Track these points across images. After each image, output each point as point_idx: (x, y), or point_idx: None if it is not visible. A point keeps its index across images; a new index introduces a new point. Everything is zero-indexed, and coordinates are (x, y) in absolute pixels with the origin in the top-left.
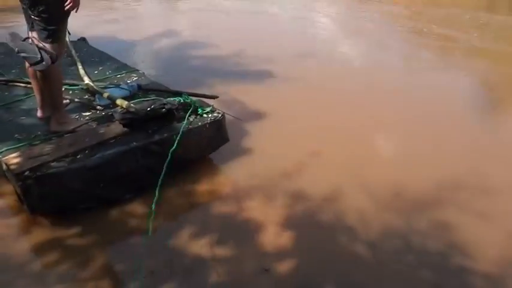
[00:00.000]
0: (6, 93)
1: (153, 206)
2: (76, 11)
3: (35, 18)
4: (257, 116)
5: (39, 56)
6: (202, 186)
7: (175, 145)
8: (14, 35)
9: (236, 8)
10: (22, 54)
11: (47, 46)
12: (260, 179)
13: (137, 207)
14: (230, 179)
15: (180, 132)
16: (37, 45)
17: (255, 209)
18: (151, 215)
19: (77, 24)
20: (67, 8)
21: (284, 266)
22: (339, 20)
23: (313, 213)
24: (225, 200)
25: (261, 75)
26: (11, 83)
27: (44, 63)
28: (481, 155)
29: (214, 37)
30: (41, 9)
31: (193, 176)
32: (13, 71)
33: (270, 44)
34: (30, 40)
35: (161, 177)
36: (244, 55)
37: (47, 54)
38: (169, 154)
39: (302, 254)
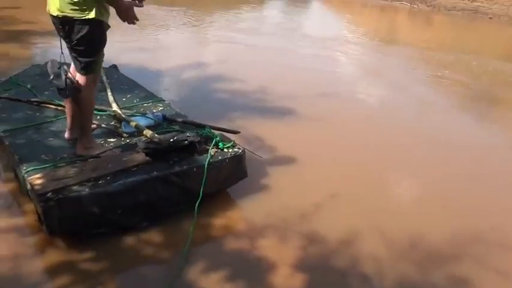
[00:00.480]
0: (37, 114)
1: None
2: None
3: (70, 49)
4: (276, 153)
5: (64, 85)
6: (218, 220)
7: (203, 179)
8: (53, 62)
9: (263, 43)
10: (54, 81)
11: (79, 77)
12: (275, 218)
13: (152, 236)
14: (246, 215)
15: (206, 168)
16: (65, 75)
17: (268, 248)
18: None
19: (109, 51)
20: (126, 22)
21: None
22: (359, 60)
23: (328, 257)
24: (239, 236)
25: (282, 113)
26: (43, 105)
27: (67, 93)
28: (501, 209)
29: (239, 71)
30: (75, 42)
31: (209, 209)
32: (46, 92)
33: (294, 81)
34: (63, 68)
35: (196, 215)
36: (267, 91)
37: (72, 84)
38: (202, 187)
39: None
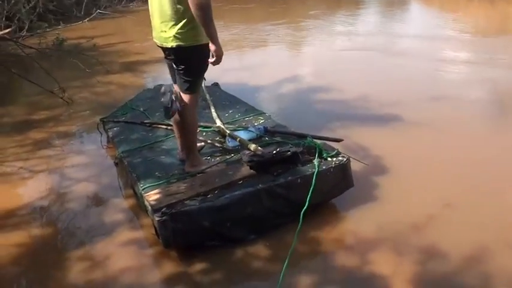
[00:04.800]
0: (150, 134)
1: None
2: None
3: (179, 71)
4: (383, 161)
5: (170, 105)
6: (325, 234)
7: (311, 188)
8: (167, 87)
9: (361, 49)
10: (162, 99)
11: (184, 96)
12: (387, 230)
13: (258, 249)
14: (354, 227)
15: (315, 177)
16: (171, 93)
17: (381, 264)
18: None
19: (211, 71)
20: (211, 62)
21: None
22: (470, 59)
23: (452, 274)
24: (349, 251)
25: (386, 119)
26: (155, 125)
27: (172, 110)
28: None
29: (337, 80)
30: (183, 66)
31: (316, 222)
32: (157, 114)
33: (397, 87)
34: (171, 89)
35: (300, 225)
36: (368, 99)
37: (177, 105)
38: (309, 195)
39: None
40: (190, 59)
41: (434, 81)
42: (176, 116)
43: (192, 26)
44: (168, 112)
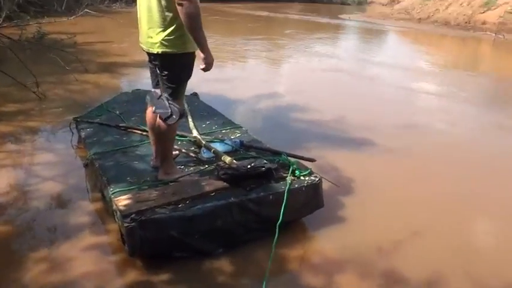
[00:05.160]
0: (124, 138)
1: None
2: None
3: (162, 77)
4: (354, 183)
5: (169, 111)
6: (292, 252)
7: (283, 205)
8: (151, 95)
9: (338, 72)
10: (157, 111)
11: (171, 102)
12: (353, 253)
13: (226, 264)
14: (322, 247)
15: (286, 193)
16: (168, 101)
17: (345, 286)
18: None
19: (191, 80)
20: (202, 69)
21: None
22: (441, 90)
23: None
24: (315, 270)
25: (360, 143)
26: (130, 130)
27: (174, 117)
28: None
29: (315, 100)
30: (167, 72)
31: (284, 239)
32: (133, 118)
33: (371, 111)
34: (162, 97)
35: (275, 240)
36: (344, 121)
37: (176, 109)
38: (282, 213)
39: None
40: (174, 66)
41: (405, 108)
42: (155, 121)
43: (179, 33)
44: (172, 118)
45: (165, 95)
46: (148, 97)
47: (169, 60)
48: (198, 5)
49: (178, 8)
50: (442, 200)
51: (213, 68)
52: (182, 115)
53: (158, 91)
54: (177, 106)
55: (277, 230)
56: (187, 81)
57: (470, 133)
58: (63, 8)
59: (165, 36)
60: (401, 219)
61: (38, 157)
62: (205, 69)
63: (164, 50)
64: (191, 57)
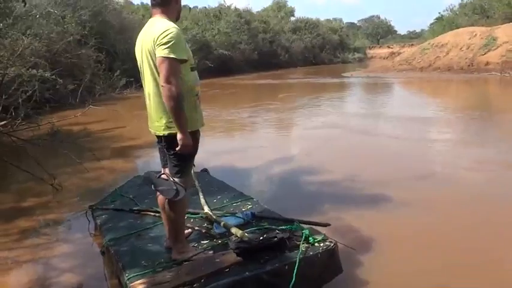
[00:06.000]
0: (138, 222)
1: None
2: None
3: (169, 156)
4: (372, 244)
5: (174, 188)
6: None
7: (293, 279)
8: (149, 173)
9: (346, 129)
10: (159, 188)
11: (176, 180)
12: None
13: None
14: None
15: (296, 265)
16: (173, 180)
17: None
18: None
19: (201, 157)
20: (177, 150)
21: None
22: (455, 137)
23: None
24: None
25: (375, 200)
26: (143, 212)
27: (179, 195)
28: None
29: (326, 162)
30: (173, 151)
31: None
32: (146, 200)
33: (383, 166)
34: (165, 176)
35: None
36: (357, 179)
37: (181, 186)
38: (293, 276)
39: None
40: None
41: (418, 161)
42: (165, 201)
43: None
44: (177, 195)
45: (169, 172)
46: (147, 175)
47: (174, 140)
48: (178, 87)
49: (161, 89)
50: (464, 258)
51: (223, 140)
52: (186, 191)
53: (166, 170)
54: (181, 184)
55: None
56: (193, 158)
57: (496, 180)
58: (77, 100)
59: (169, 119)
60: (426, 279)
61: (57, 249)
62: (180, 151)
63: (169, 132)
64: (195, 135)
